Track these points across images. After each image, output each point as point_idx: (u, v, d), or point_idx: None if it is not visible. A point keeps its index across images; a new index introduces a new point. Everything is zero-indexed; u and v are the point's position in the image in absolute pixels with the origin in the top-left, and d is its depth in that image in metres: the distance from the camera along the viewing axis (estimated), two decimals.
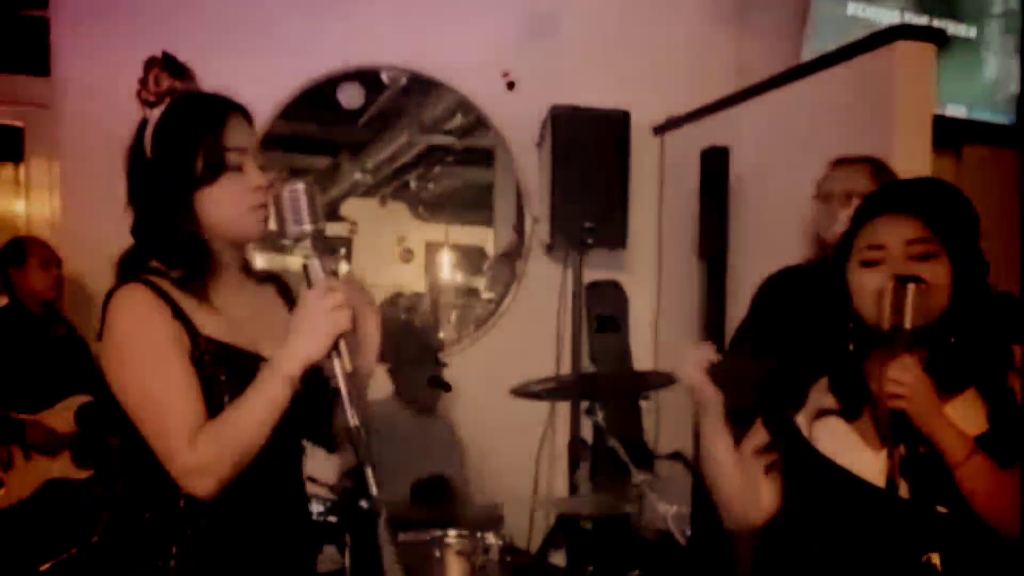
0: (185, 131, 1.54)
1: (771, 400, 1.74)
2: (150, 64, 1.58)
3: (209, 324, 1.55)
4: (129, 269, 1.57)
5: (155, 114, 1.57)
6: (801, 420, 1.68)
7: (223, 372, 1.53)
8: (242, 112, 1.60)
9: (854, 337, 1.62)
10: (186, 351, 1.51)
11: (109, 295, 1.54)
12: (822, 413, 1.65)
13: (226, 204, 1.55)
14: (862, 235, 1.61)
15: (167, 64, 1.58)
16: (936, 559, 1.48)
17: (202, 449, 1.46)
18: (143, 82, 1.58)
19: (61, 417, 3.52)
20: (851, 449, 1.62)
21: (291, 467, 1.69)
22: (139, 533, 1.55)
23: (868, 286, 1.57)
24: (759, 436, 1.76)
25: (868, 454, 1.60)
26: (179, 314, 1.52)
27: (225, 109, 1.57)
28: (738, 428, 1.85)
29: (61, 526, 3.40)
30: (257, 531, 1.59)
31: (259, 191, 1.56)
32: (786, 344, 1.80)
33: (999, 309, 1.61)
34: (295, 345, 1.48)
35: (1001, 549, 1.52)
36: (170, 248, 1.55)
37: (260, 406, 1.47)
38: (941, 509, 1.51)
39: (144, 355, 1.50)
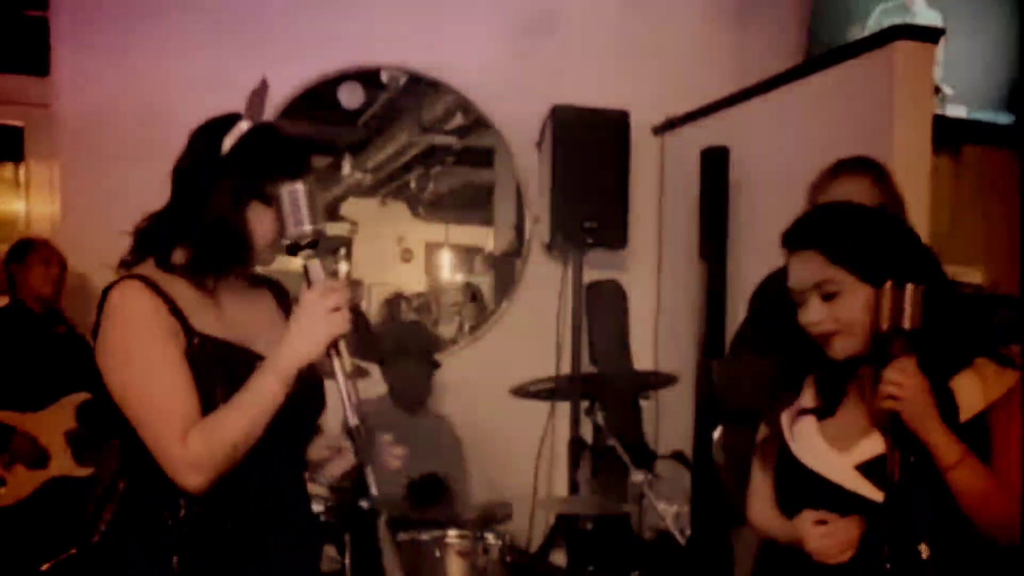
0: (277, 152, 1.61)
1: (770, 398, 1.75)
2: (265, 87, 1.65)
3: (206, 320, 1.57)
4: (146, 243, 1.59)
5: (247, 123, 1.61)
6: (784, 419, 1.70)
7: (218, 368, 1.54)
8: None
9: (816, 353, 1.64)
10: (180, 347, 1.52)
11: (105, 292, 1.55)
12: (800, 412, 1.68)
13: (264, 228, 1.57)
14: (786, 274, 1.64)
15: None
16: (924, 550, 1.49)
17: (193, 445, 1.47)
18: (259, 94, 1.64)
19: (59, 415, 3.52)
20: (818, 449, 1.64)
21: (294, 470, 1.70)
22: (143, 533, 1.55)
23: (804, 324, 1.61)
24: (762, 433, 1.78)
25: (833, 455, 1.62)
26: (175, 310, 1.54)
27: (310, 167, 1.64)
28: (740, 428, 1.86)
29: (61, 525, 3.40)
30: (261, 532, 1.59)
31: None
32: (782, 342, 1.81)
33: (960, 313, 1.59)
34: (291, 345, 1.48)
35: (982, 552, 1.53)
36: (209, 233, 1.56)
37: (253, 404, 1.48)
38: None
39: (138, 350, 1.51)
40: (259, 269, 1.71)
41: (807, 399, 1.69)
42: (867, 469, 1.57)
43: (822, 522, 1.59)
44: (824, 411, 1.66)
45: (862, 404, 1.63)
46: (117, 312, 1.53)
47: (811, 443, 1.65)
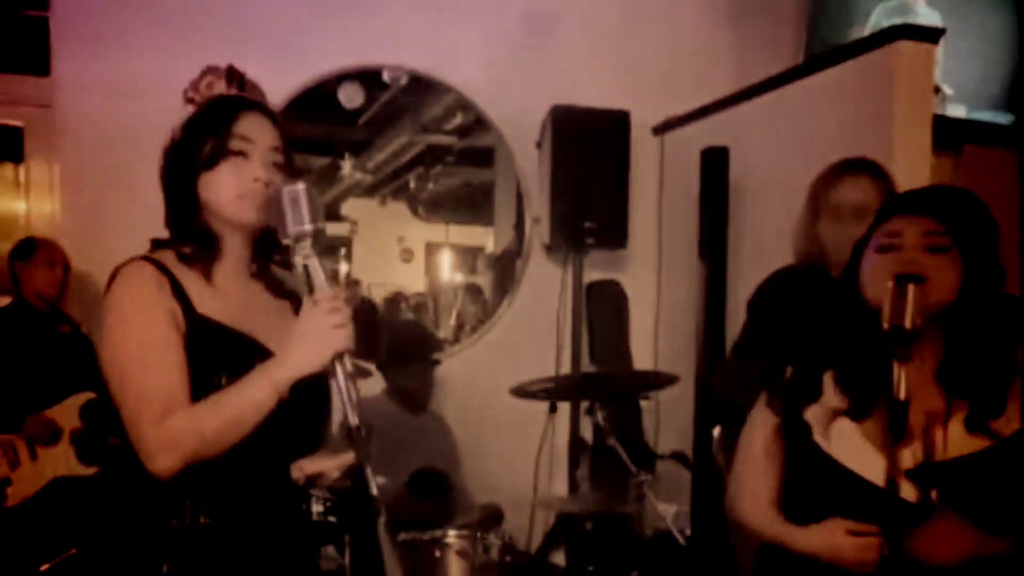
0: (203, 120, 1.60)
1: (786, 395, 1.73)
2: (208, 71, 1.64)
3: (209, 304, 1.56)
4: (156, 244, 1.62)
5: (190, 109, 1.63)
6: (813, 418, 1.68)
7: (216, 351, 1.52)
8: (265, 113, 1.63)
9: (866, 335, 1.61)
10: (179, 328, 1.51)
11: (115, 273, 1.56)
12: (835, 415, 1.65)
13: (220, 189, 1.58)
14: (880, 230, 1.64)
15: (230, 76, 1.64)
16: None
17: (169, 429, 1.45)
18: (194, 83, 1.64)
19: (64, 415, 3.53)
20: (862, 451, 1.61)
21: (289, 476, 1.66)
22: (135, 536, 1.53)
23: (880, 269, 1.59)
24: (765, 433, 1.76)
25: (878, 456, 1.58)
26: (178, 291, 1.54)
27: (244, 105, 1.61)
28: (740, 428, 1.85)
29: (65, 525, 3.40)
30: (254, 535, 1.57)
31: (256, 183, 1.57)
32: (789, 344, 1.80)
33: (1007, 317, 1.61)
34: (291, 356, 1.47)
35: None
36: (180, 226, 1.60)
37: (240, 405, 1.46)
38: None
39: (133, 326, 1.50)
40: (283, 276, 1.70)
41: (833, 400, 1.66)
42: (915, 474, 1.55)
43: (856, 532, 1.57)
44: (858, 413, 1.63)
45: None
46: (116, 289, 1.53)
47: (853, 444, 1.62)
